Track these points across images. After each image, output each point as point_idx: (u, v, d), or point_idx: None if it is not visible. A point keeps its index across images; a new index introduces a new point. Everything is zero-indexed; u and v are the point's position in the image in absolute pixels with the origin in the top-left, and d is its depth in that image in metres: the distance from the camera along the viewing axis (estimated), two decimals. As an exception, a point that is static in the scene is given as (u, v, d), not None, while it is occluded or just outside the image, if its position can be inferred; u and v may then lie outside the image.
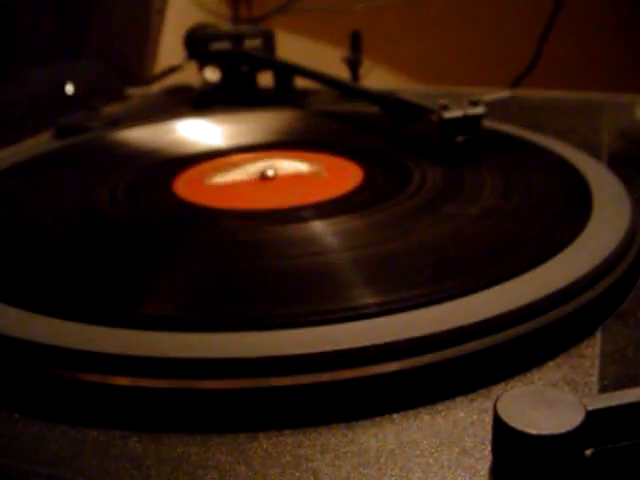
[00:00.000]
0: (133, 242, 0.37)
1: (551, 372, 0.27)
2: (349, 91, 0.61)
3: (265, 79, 0.69)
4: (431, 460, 0.23)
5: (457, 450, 0.23)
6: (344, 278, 0.31)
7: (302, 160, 0.48)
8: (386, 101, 0.52)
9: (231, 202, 0.42)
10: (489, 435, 0.23)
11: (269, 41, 0.70)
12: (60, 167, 0.49)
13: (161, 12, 0.77)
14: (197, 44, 0.69)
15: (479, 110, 0.46)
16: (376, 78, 0.71)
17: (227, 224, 0.39)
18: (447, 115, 0.45)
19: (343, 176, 0.45)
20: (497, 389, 0.26)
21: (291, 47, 0.81)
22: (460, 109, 0.45)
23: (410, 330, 0.26)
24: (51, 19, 0.69)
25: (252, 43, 0.69)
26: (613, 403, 0.22)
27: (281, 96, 0.67)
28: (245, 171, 0.47)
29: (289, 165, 0.47)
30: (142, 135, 0.54)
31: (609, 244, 0.32)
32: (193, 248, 0.35)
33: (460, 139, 0.45)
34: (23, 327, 0.28)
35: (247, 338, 0.27)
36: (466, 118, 0.45)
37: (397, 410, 0.25)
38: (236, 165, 0.48)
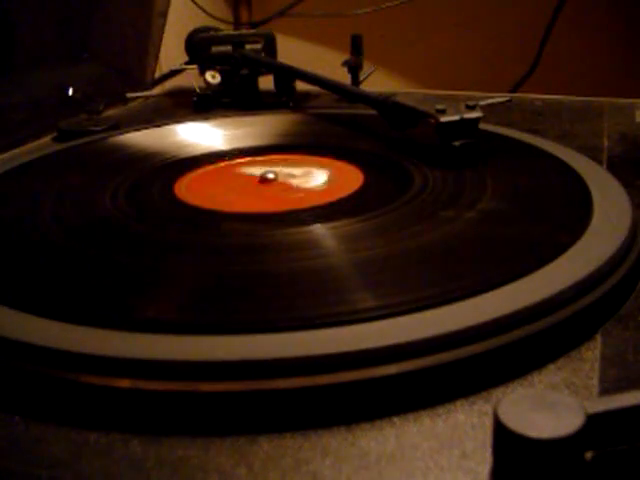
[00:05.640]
0: (134, 245, 0.37)
1: (551, 375, 0.27)
2: (348, 95, 0.61)
3: (266, 82, 0.69)
4: (431, 463, 0.23)
5: (457, 453, 0.23)
6: (344, 281, 0.31)
7: (302, 164, 0.48)
8: (384, 105, 0.52)
9: (232, 205, 0.42)
10: (489, 438, 0.23)
11: (270, 45, 0.70)
12: (61, 170, 0.49)
13: (162, 15, 0.77)
14: (198, 47, 0.69)
15: (476, 114, 0.46)
16: (377, 82, 0.71)
17: (228, 227, 0.39)
18: (444, 119, 0.45)
19: (344, 179, 0.45)
20: (497, 392, 0.26)
21: (292, 51, 0.81)
22: (457, 113, 0.46)
23: (410, 333, 0.26)
24: (52, 22, 0.69)
25: (253, 47, 0.69)
26: (613, 406, 0.22)
27: (282, 99, 0.67)
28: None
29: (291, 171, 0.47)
30: (143, 138, 0.54)
31: (609, 247, 0.33)
32: (194, 251, 0.35)
33: (457, 143, 0.45)
34: (24, 329, 0.28)
35: (247, 341, 0.27)
36: (463, 122, 0.45)
37: (397, 413, 0.25)
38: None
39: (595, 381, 0.27)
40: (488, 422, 0.24)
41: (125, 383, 0.26)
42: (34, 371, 0.27)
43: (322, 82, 0.61)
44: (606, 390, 0.26)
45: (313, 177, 0.46)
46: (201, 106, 0.67)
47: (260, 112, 0.61)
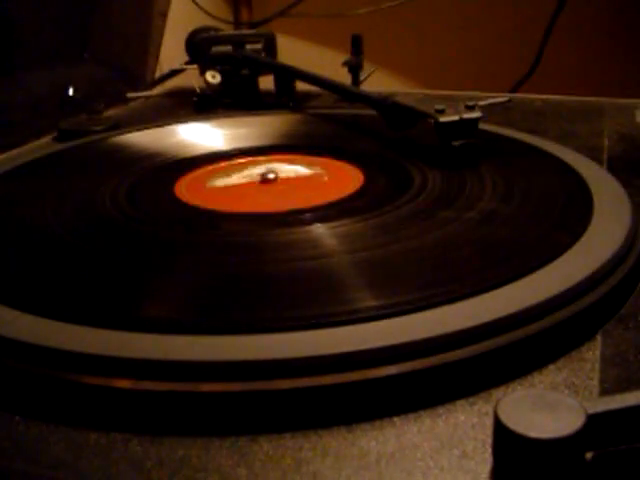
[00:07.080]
0: (135, 245, 0.37)
1: (552, 375, 0.27)
2: (347, 95, 0.61)
3: (266, 82, 0.69)
4: (431, 463, 0.23)
5: (458, 453, 0.23)
6: (344, 281, 0.31)
7: (302, 164, 0.48)
8: (384, 105, 0.52)
9: (232, 205, 0.42)
10: (490, 438, 0.23)
11: (270, 45, 0.70)
12: (61, 170, 0.49)
13: (163, 15, 0.77)
14: (198, 48, 0.69)
15: (475, 114, 0.46)
16: (377, 82, 0.71)
17: (228, 227, 0.39)
18: (443, 119, 0.45)
19: (344, 179, 0.45)
20: (498, 392, 0.26)
21: (292, 51, 0.81)
22: (456, 113, 0.46)
23: (411, 333, 0.26)
24: (53, 22, 0.69)
25: (253, 47, 0.69)
26: (613, 406, 0.22)
27: (282, 100, 0.67)
28: (246, 174, 0.47)
29: (290, 169, 0.47)
30: (143, 138, 0.54)
31: (610, 247, 0.33)
32: (194, 251, 0.36)
33: (456, 143, 0.45)
34: (24, 329, 0.28)
35: (248, 341, 0.27)
36: (462, 122, 0.45)
37: (398, 413, 0.25)
38: (238, 168, 0.48)
39: (595, 381, 0.27)
40: (488, 422, 0.24)
41: (125, 383, 0.26)
42: (34, 371, 0.27)
43: (322, 82, 0.61)
44: (606, 390, 0.26)
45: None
46: (201, 106, 0.67)
47: (260, 112, 0.61)
